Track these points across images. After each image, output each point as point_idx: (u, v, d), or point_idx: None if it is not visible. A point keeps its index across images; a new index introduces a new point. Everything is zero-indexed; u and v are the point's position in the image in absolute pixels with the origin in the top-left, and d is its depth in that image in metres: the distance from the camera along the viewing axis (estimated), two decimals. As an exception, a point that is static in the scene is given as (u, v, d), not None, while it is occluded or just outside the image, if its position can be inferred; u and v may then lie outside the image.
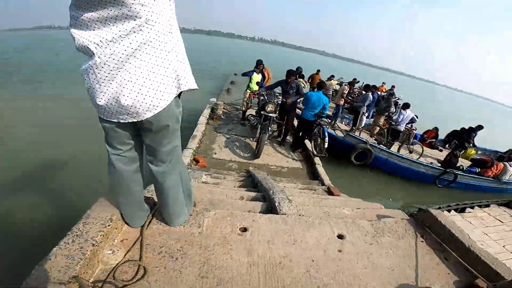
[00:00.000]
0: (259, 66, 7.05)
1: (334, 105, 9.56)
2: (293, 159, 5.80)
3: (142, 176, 1.57)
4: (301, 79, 9.55)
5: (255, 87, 6.80)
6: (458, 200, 6.16)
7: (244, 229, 1.82)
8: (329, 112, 8.90)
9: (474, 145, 10.03)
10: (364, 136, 8.29)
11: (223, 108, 8.12)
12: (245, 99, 7.16)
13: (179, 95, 1.30)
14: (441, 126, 10.84)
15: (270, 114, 5.34)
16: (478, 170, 8.28)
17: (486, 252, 1.96)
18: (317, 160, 5.48)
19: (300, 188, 3.85)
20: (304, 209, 2.24)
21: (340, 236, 1.95)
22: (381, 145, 7.88)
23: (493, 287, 1.61)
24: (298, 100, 6.09)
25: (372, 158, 7.16)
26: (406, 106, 8.34)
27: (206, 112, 7.33)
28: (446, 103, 47.58)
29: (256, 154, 5.28)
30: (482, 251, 1.94)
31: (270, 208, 2.27)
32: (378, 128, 8.95)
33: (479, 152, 10.43)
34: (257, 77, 6.92)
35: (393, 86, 14.50)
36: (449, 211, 5.60)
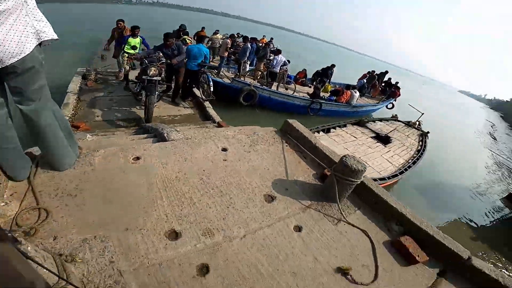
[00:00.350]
0: (135, 30, 6.51)
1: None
2: (185, 107, 5.97)
3: (12, 122, 1.57)
4: (186, 36, 9.65)
5: (132, 51, 6.30)
6: (325, 123, 7.71)
7: (137, 158, 2.03)
8: (215, 64, 9.83)
9: (330, 81, 12.59)
10: (249, 80, 9.23)
11: (97, 75, 7.18)
12: (122, 63, 6.57)
13: (40, 44, 1.54)
14: (309, 68, 13.00)
15: (154, 78, 4.93)
16: (334, 98, 10.56)
17: (327, 148, 2.80)
18: (207, 104, 5.83)
19: (193, 128, 4.16)
20: (191, 135, 2.57)
21: (224, 149, 2.42)
22: (263, 86, 9.00)
23: (333, 171, 2.29)
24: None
25: (257, 98, 8.22)
26: (278, 52, 9.78)
27: (76, 79, 6.36)
28: (313, 51, 55.02)
29: (146, 119, 4.91)
30: (325, 148, 2.76)
31: (160, 140, 2.50)
32: (259, 73, 10.09)
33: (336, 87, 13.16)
34: (133, 41, 6.38)
35: (271, 38, 16.44)
36: (318, 132, 7.10)
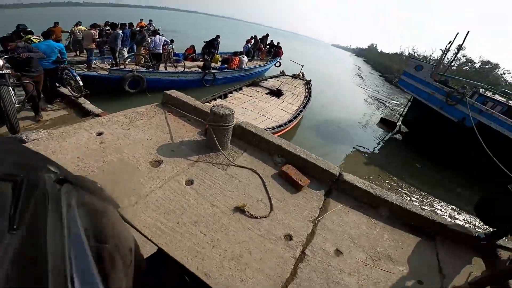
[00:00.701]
0: None
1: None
2: (54, 109, 5.17)
3: None
4: (30, 36, 7.96)
5: None
6: (222, 90, 7.95)
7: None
8: (82, 58, 8.97)
9: (217, 51, 12.76)
10: (131, 67, 8.51)
11: None
12: None
13: None
14: (198, 44, 12.76)
15: None
16: (226, 66, 10.85)
17: (206, 106, 2.97)
18: (82, 100, 5.21)
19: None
20: (58, 130, 2.35)
21: (100, 133, 2.33)
22: (150, 69, 8.47)
23: (207, 122, 2.44)
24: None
25: (145, 82, 7.73)
26: (154, 33, 9.40)
27: None
28: (201, 27, 53.42)
29: (11, 128, 3.79)
30: (203, 106, 2.93)
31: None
32: (141, 57, 9.39)
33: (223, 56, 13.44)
34: None
35: (150, 20, 15.29)
36: (215, 99, 7.30)
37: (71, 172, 0.45)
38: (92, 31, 9.20)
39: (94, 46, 8.92)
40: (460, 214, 6.32)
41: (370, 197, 2.42)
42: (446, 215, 6.15)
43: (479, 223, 5.77)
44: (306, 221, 2.06)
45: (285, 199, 2.23)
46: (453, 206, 6.55)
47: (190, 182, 2.10)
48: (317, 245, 1.88)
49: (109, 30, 10.12)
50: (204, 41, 12.27)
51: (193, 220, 1.80)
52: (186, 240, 1.64)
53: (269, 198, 2.17)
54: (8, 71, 3.92)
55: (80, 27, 10.77)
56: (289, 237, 1.87)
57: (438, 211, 6.22)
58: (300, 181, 2.35)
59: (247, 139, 2.76)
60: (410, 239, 2.27)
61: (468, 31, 8.20)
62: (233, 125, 2.48)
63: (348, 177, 2.50)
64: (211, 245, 1.65)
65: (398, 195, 2.67)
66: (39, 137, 2.14)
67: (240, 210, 1.97)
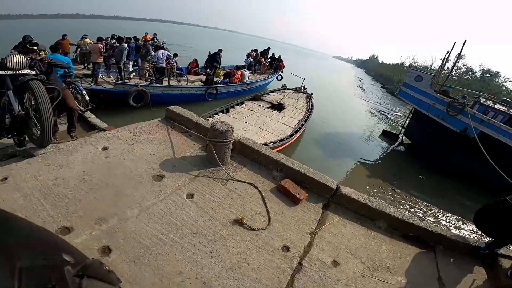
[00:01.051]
0: None
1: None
2: (60, 123, 5.30)
3: None
4: (35, 47, 8.16)
5: None
6: (225, 105, 8.06)
7: (5, 178, 1.87)
8: (88, 71, 9.16)
9: (219, 65, 13.03)
10: (135, 81, 8.72)
11: None
12: None
13: None
14: (201, 57, 13.09)
15: (24, 71, 2.81)
16: (228, 80, 11.07)
17: (203, 120, 3.08)
18: (88, 114, 5.36)
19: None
20: (65, 144, 2.46)
21: (105, 148, 2.43)
22: (153, 84, 8.69)
23: (208, 138, 2.54)
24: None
25: (149, 97, 7.91)
26: (157, 48, 9.58)
27: None
28: (204, 40, 54.71)
29: (40, 141, 2.60)
30: (204, 122, 3.03)
31: (28, 157, 2.32)
32: (146, 71, 9.62)
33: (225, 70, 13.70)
34: None
35: (155, 34, 15.58)
36: (217, 113, 7.41)
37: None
38: (99, 44, 9.37)
39: (101, 59, 9.13)
40: (465, 224, 6.27)
41: (368, 209, 2.46)
42: (451, 226, 6.11)
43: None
44: (304, 233, 2.10)
45: (283, 212, 2.29)
46: (458, 217, 6.51)
47: (191, 196, 2.18)
48: (314, 256, 1.92)
49: (114, 43, 10.38)
50: (210, 52, 12.45)
51: (193, 232, 1.87)
52: (186, 250, 1.70)
53: (268, 211, 2.23)
54: (33, 72, 2.94)
55: (86, 40, 11.04)
56: (286, 249, 1.92)
57: (443, 222, 6.18)
58: (298, 194, 2.41)
59: (247, 154, 2.85)
60: (409, 250, 2.30)
61: (465, 40, 8.35)
62: (232, 141, 2.57)
63: (346, 190, 2.55)
64: (210, 256, 1.71)
65: (396, 207, 2.69)
66: (47, 151, 2.25)
67: (238, 222, 2.03)
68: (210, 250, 1.75)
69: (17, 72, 2.74)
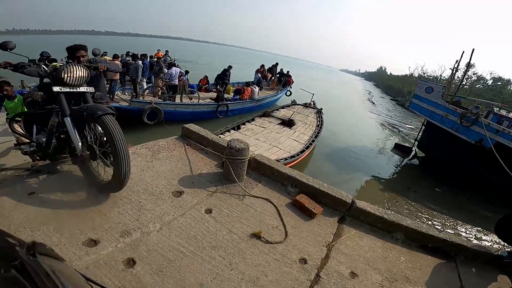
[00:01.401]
0: (4, 88, 5.14)
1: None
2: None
3: None
4: (55, 63, 8.61)
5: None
6: (236, 122, 8.24)
7: (32, 193, 1.99)
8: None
9: (229, 81, 13.39)
10: (149, 98, 9.06)
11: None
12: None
13: None
14: (211, 74, 13.54)
15: (82, 88, 2.32)
16: (238, 97, 11.33)
17: (223, 140, 3.19)
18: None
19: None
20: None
21: (126, 165, 2.54)
22: (166, 101, 9.00)
23: (224, 156, 2.66)
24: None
25: (163, 114, 8.19)
26: (170, 65, 9.86)
27: None
28: (214, 56, 56.59)
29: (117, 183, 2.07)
30: (220, 140, 3.15)
31: (52, 173, 2.45)
32: (159, 88, 9.96)
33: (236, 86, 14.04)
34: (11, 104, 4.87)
35: (166, 51, 16.09)
36: (228, 131, 7.56)
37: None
38: (116, 61, 9.75)
39: (117, 77, 9.50)
40: (487, 235, 6.08)
41: (384, 222, 2.46)
42: (472, 237, 5.93)
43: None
44: (320, 246, 2.13)
45: (299, 226, 2.32)
46: (478, 228, 6.33)
47: (209, 211, 2.25)
48: (331, 268, 1.94)
49: (129, 60, 10.82)
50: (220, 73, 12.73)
51: (213, 245, 1.92)
52: (206, 263, 1.76)
53: (284, 225, 2.27)
54: (92, 89, 2.40)
55: (105, 57, 11.53)
56: (304, 261, 1.94)
57: (463, 233, 6.01)
58: (314, 209, 2.45)
59: (262, 171, 2.93)
60: (428, 261, 2.28)
61: (473, 49, 8.34)
62: (248, 158, 2.66)
63: (361, 204, 2.57)
64: (229, 268, 1.75)
65: (413, 219, 2.68)
66: (67, 168, 2.39)
67: (256, 236, 2.08)
68: (230, 262, 1.80)
69: (75, 90, 2.24)
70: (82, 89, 2.29)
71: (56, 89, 2.15)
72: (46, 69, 2.26)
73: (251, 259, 1.86)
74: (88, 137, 2.18)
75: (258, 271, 1.78)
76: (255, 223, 2.23)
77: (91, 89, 2.37)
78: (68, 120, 2.12)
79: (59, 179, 2.27)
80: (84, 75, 2.28)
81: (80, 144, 2.14)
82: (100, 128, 2.08)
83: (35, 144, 2.46)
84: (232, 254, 1.87)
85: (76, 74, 2.20)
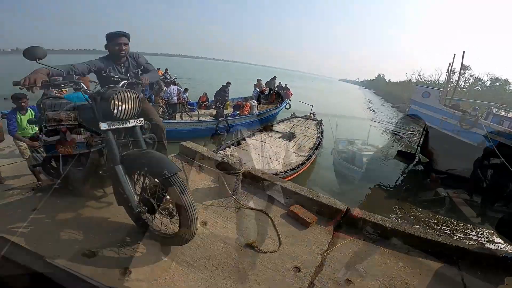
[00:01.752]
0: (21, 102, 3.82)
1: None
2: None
3: None
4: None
5: (30, 132, 3.64)
6: (236, 137, 8.28)
7: (34, 209, 2.07)
8: None
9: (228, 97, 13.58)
10: (151, 118, 9.23)
11: None
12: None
13: None
14: (210, 90, 13.73)
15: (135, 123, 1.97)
16: (238, 112, 11.46)
17: (214, 154, 3.27)
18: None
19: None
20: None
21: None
22: (167, 120, 9.16)
23: (219, 170, 2.73)
24: None
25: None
26: (169, 83, 10.00)
27: None
28: (212, 71, 57.87)
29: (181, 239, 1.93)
30: (215, 156, 3.23)
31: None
32: (159, 107, 10.18)
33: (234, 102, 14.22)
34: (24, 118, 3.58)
35: (166, 69, 16.31)
36: (228, 147, 7.60)
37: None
38: None
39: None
40: (499, 237, 5.92)
41: (381, 228, 2.46)
42: (484, 240, 5.78)
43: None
44: (315, 254, 2.14)
45: (293, 235, 2.35)
46: (490, 230, 6.18)
47: (204, 223, 2.31)
48: (326, 275, 1.94)
49: None
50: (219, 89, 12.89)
51: (207, 256, 1.97)
52: (200, 272, 1.81)
53: (278, 235, 2.30)
54: (142, 122, 2.01)
55: None
56: (297, 269, 1.95)
57: (474, 237, 5.86)
58: (308, 218, 2.47)
59: (256, 183, 3.00)
60: (429, 266, 2.24)
61: (464, 51, 8.46)
62: (242, 172, 2.74)
63: (356, 211, 2.58)
64: (222, 277, 1.79)
65: (410, 224, 2.67)
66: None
67: (250, 246, 2.11)
68: (223, 272, 1.83)
69: (124, 126, 1.82)
70: (132, 123, 1.85)
71: (103, 126, 1.69)
72: (86, 89, 1.82)
73: (244, 268, 1.89)
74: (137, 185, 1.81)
75: (251, 280, 1.80)
76: (249, 234, 2.27)
77: (141, 122, 1.95)
78: (120, 169, 1.72)
79: (62, 197, 2.34)
80: (137, 105, 1.81)
81: (136, 198, 1.77)
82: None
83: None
84: (226, 264, 1.91)
85: (127, 105, 1.74)
